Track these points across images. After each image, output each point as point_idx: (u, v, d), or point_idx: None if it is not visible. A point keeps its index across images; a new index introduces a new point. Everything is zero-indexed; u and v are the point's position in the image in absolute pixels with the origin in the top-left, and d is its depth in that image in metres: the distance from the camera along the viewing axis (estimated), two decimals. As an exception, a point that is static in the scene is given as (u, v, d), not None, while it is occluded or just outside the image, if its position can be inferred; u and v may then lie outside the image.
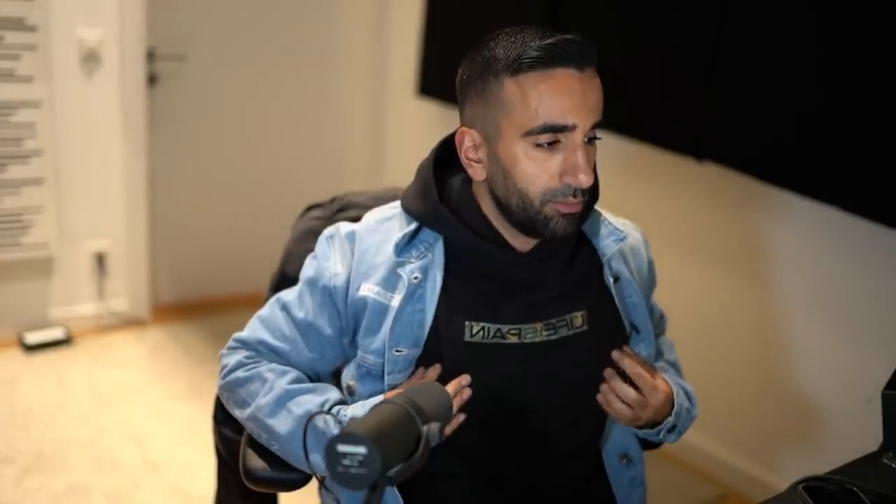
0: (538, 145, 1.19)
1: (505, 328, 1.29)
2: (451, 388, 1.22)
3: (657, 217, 2.70)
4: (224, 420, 1.55)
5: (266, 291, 1.65)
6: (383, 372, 1.28)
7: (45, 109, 2.93)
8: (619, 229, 1.36)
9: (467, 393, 1.24)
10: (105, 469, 2.48)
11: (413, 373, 1.28)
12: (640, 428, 1.35)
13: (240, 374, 1.34)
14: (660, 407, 1.32)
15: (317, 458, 1.25)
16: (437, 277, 1.28)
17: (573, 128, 1.18)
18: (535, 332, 1.30)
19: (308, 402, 1.29)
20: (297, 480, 1.35)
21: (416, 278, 1.27)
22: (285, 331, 1.36)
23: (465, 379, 1.25)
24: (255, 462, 1.36)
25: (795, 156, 2.28)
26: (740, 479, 2.65)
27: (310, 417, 1.23)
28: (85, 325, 3.24)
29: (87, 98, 3.05)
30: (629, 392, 1.30)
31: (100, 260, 3.24)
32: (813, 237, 2.42)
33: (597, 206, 1.42)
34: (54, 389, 2.85)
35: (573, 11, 2.74)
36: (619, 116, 2.60)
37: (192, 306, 3.53)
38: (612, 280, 1.34)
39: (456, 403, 1.21)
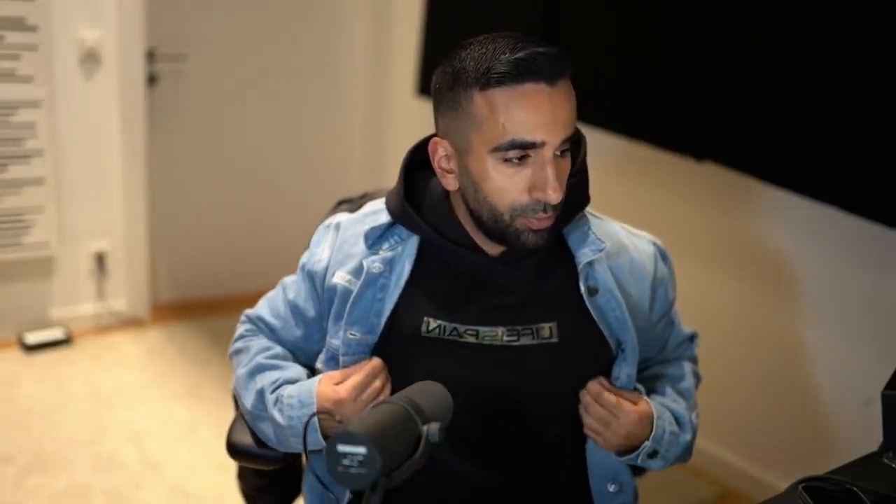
0: (507, 160, 1.18)
1: (462, 328, 1.28)
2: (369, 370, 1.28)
3: (657, 217, 2.69)
4: None
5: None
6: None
7: (45, 109, 2.93)
8: (600, 240, 1.33)
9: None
10: (105, 469, 2.48)
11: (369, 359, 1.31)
12: (620, 454, 1.33)
13: (237, 344, 1.46)
14: (633, 429, 1.30)
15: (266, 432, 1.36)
16: (404, 270, 1.30)
17: (542, 144, 1.17)
18: (494, 336, 1.29)
19: (267, 378, 1.36)
20: (276, 457, 1.39)
21: (376, 268, 1.30)
22: (280, 310, 1.44)
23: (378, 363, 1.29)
24: (239, 437, 1.42)
25: (796, 156, 2.28)
26: (740, 479, 2.65)
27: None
28: (85, 325, 3.24)
29: (87, 98, 3.05)
30: (595, 408, 1.30)
31: (100, 260, 3.24)
32: (812, 237, 2.42)
33: (598, 214, 1.41)
34: (54, 389, 2.85)
35: (572, 12, 2.74)
36: (620, 117, 2.61)
37: (192, 306, 3.53)
38: (585, 291, 1.31)
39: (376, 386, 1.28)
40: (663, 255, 1.43)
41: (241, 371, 1.40)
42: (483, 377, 1.29)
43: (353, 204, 1.68)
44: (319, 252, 1.38)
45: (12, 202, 2.96)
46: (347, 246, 1.35)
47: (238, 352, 1.45)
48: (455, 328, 1.28)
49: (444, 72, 1.23)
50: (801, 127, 2.26)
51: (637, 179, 2.80)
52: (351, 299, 1.30)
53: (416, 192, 1.34)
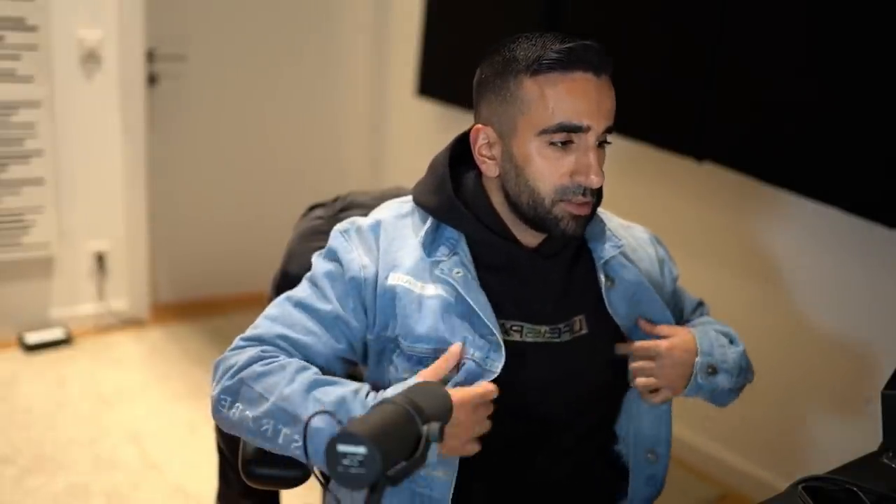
0: (552, 144, 1.23)
1: (508, 324, 1.30)
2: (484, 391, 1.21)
3: (657, 217, 2.69)
4: None
5: (268, 291, 1.65)
6: (436, 358, 1.26)
7: (45, 109, 2.93)
8: (618, 237, 1.38)
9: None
10: (105, 469, 2.48)
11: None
12: (685, 391, 1.36)
13: (257, 368, 1.24)
14: (684, 356, 1.34)
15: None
16: (471, 271, 1.30)
17: (587, 129, 1.22)
18: (537, 333, 1.31)
19: (335, 392, 1.20)
20: (296, 478, 1.35)
21: (458, 273, 1.28)
22: (307, 325, 1.29)
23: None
24: (254, 459, 1.35)
25: (795, 156, 2.28)
26: (740, 479, 2.65)
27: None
28: (85, 325, 3.24)
29: (87, 98, 3.05)
30: (640, 362, 1.33)
31: (100, 260, 3.24)
32: (812, 237, 2.42)
33: (601, 209, 1.43)
34: (54, 389, 2.85)
35: (573, 11, 2.74)
36: (620, 116, 2.60)
37: (192, 306, 3.53)
38: (604, 282, 1.35)
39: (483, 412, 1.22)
40: (657, 239, 1.51)
41: (290, 389, 1.21)
42: (526, 375, 1.30)
43: (326, 208, 1.65)
44: (357, 258, 1.30)
45: (12, 202, 2.96)
46: (395, 248, 1.32)
47: (262, 374, 1.24)
48: (503, 324, 1.30)
49: (491, 62, 1.27)
50: (801, 127, 2.26)
51: (637, 180, 2.80)
52: (461, 307, 1.27)
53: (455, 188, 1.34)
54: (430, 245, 1.31)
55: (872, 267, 2.32)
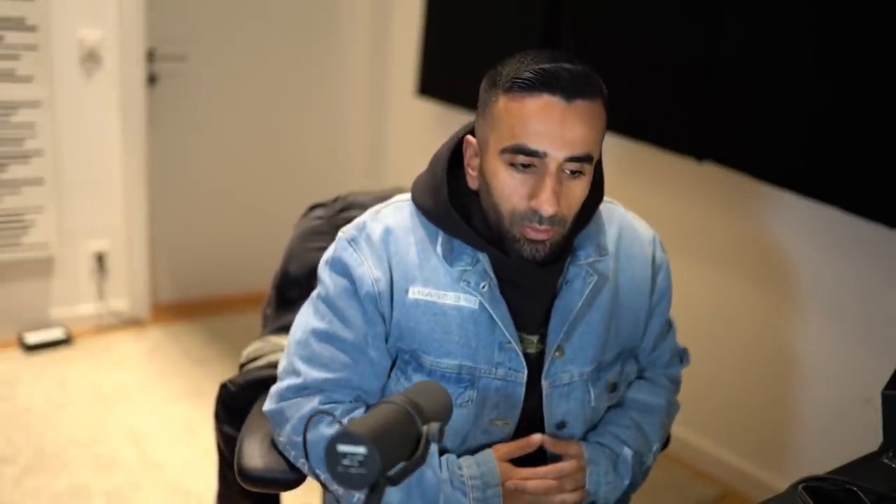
0: (513, 164, 1.19)
1: (519, 335, 1.30)
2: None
3: (657, 217, 2.67)
4: (225, 418, 1.55)
5: (268, 290, 1.65)
6: (459, 374, 1.28)
7: (45, 109, 2.93)
8: (604, 248, 1.34)
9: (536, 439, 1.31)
10: (105, 469, 2.48)
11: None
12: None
13: (324, 430, 1.27)
14: (580, 472, 1.33)
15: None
16: (494, 280, 1.28)
17: (544, 155, 1.18)
18: (530, 344, 1.31)
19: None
20: (292, 480, 1.35)
21: (484, 287, 1.27)
22: (341, 359, 1.29)
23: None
24: (251, 462, 1.35)
25: (795, 156, 2.28)
26: (740, 479, 2.65)
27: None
28: (85, 325, 3.24)
29: (87, 98, 3.05)
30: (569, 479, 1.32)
31: (100, 260, 3.24)
32: (813, 237, 2.42)
33: (609, 199, 1.40)
34: (54, 389, 2.85)
35: (573, 12, 2.74)
36: (620, 116, 2.59)
37: (192, 306, 3.53)
38: (561, 284, 1.31)
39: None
40: (657, 242, 1.44)
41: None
42: (537, 386, 1.31)
43: (326, 208, 1.65)
44: (368, 271, 1.27)
45: (12, 202, 2.96)
46: (409, 258, 1.28)
47: (319, 440, 1.28)
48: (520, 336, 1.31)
49: (488, 75, 1.25)
50: (801, 127, 2.26)
51: (637, 179, 2.80)
52: (484, 318, 1.27)
53: (453, 192, 1.30)
54: (450, 254, 1.28)
55: (872, 267, 2.32)
